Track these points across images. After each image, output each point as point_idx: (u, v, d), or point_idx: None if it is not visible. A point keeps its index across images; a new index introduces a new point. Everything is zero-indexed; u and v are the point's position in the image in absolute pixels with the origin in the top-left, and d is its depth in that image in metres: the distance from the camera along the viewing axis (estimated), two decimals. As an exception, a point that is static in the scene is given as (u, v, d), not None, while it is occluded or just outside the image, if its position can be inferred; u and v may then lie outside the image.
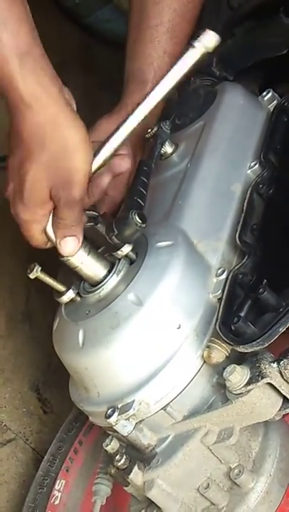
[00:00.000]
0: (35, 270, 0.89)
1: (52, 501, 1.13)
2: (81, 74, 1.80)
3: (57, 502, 1.13)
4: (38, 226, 0.88)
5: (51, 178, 0.84)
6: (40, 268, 0.89)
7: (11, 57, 0.80)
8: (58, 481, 1.15)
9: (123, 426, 0.86)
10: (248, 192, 0.97)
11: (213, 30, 0.91)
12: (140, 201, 0.91)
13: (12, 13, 0.80)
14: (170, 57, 1.12)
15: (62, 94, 0.84)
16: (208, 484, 0.85)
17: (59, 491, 1.14)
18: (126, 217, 0.88)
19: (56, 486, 1.14)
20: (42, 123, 0.82)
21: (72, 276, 0.94)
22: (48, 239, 0.89)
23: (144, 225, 0.88)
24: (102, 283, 0.90)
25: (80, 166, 0.85)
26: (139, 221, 0.88)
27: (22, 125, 0.82)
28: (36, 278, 0.90)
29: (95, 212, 0.94)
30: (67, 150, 0.84)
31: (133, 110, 0.95)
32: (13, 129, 0.84)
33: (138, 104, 0.95)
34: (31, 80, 0.81)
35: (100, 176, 1.04)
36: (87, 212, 0.94)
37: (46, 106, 0.82)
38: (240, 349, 0.81)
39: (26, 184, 0.84)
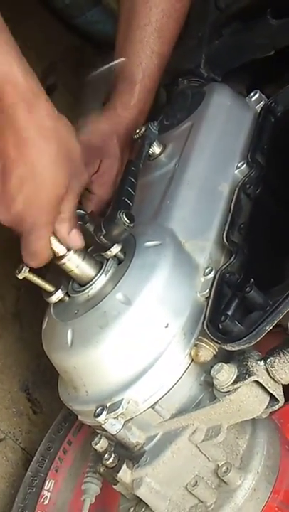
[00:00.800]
0: (23, 271, 0.89)
1: (41, 501, 1.13)
2: (71, 75, 1.80)
3: (46, 502, 1.13)
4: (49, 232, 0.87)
5: (67, 168, 0.84)
6: (28, 269, 0.89)
7: (13, 58, 0.82)
8: (47, 481, 1.15)
9: (112, 424, 0.86)
10: (236, 192, 0.97)
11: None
12: (128, 201, 0.92)
13: None
14: (158, 57, 1.13)
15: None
16: (196, 482, 0.85)
17: (48, 490, 1.14)
18: (114, 217, 0.88)
19: (45, 486, 1.15)
20: (44, 115, 0.82)
21: (60, 276, 0.94)
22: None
23: (132, 225, 0.89)
24: (91, 283, 0.91)
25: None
26: (127, 221, 0.88)
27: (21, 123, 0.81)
28: (25, 278, 0.90)
29: (82, 211, 0.94)
30: (70, 134, 0.85)
31: None
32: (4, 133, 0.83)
33: None
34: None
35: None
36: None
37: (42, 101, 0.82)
38: (228, 347, 0.82)
39: (44, 186, 0.84)
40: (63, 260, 0.89)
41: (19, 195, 0.83)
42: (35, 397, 1.34)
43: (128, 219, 0.88)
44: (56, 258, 0.90)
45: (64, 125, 0.85)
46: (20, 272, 0.89)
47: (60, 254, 0.89)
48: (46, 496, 1.13)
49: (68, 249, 0.89)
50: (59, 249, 0.89)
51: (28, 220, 0.85)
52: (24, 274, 0.89)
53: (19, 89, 0.81)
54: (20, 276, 0.90)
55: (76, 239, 0.89)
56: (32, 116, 0.81)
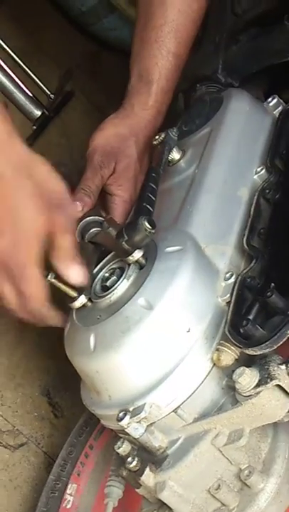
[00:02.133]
0: (49, 276, 0.90)
1: (64, 505, 1.14)
2: (87, 82, 1.82)
3: (69, 506, 1.14)
4: (36, 265, 0.86)
5: (43, 204, 0.85)
6: (54, 275, 0.90)
7: None
8: (69, 485, 1.16)
9: (134, 429, 0.87)
10: (255, 197, 0.98)
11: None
12: (149, 207, 0.92)
13: None
14: (174, 57, 1.13)
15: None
16: (219, 485, 0.86)
17: (71, 494, 1.15)
18: (136, 223, 0.89)
19: (68, 490, 1.15)
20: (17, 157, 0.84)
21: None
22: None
23: (153, 231, 0.89)
24: (113, 288, 0.92)
25: (63, 184, 0.87)
26: (149, 227, 0.89)
27: None
28: (50, 284, 0.91)
29: (100, 217, 0.95)
30: (48, 173, 0.86)
31: None
32: None
33: None
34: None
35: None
36: (92, 217, 0.96)
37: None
38: (250, 352, 0.82)
39: (19, 224, 0.84)
40: (75, 303, 0.92)
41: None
42: (56, 402, 1.35)
43: (150, 225, 0.89)
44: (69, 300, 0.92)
45: (39, 162, 0.86)
46: (45, 278, 0.90)
47: (72, 296, 0.92)
48: (69, 500, 1.14)
49: (79, 292, 0.92)
50: (70, 293, 0.92)
51: (11, 262, 0.85)
52: (50, 279, 0.90)
53: None
54: (46, 283, 0.91)
55: (76, 275, 0.90)
56: (4, 156, 0.82)
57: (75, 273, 0.90)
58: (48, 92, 1.68)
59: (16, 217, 0.84)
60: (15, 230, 0.84)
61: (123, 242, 0.89)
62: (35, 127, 1.62)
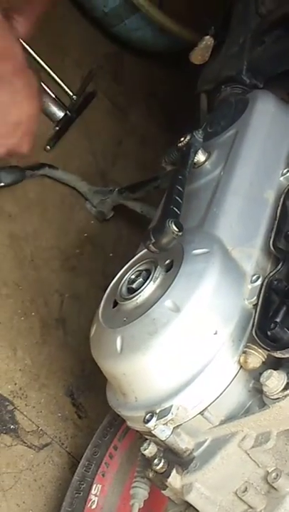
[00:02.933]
0: None
1: (89, 505, 1.14)
2: (110, 83, 1.82)
3: (94, 506, 1.14)
4: None
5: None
6: None
7: None
8: (94, 486, 1.16)
9: (161, 430, 0.87)
10: (281, 199, 0.98)
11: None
12: (176, 210, 0.92)
13: None
14: None
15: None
16: (246, 488, 0.86)
17: (96, 495, 1.15)
18: (163, 226, 0.89)
19: (93, 491, 1.16)
20: None
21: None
22: None
23: (180, 233, 0.90)
24: (139, 290, 0.92)
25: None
26: (176, 229, 0.89)
27: None
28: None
29: None
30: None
31: None
32: None
33: None
34: None
35: None
36: None
37: None
38: (277, 354, 0.82)
39: None
40: None
41: None
42: (79, 402, 1.36)
43: (177, 228, 0.89)
44: None
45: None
46: None
47: None
48: (94, 501, 1.14)
49: None
50: None
51: None
52: None
53: None
54: None
55: None
56: None
57: None
58: (71, 93, 1.68)
59: None
60: None
61: (150, 245, 0.89)
62: (57, 128, 1.62)
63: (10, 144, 1.05)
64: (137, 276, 0.96)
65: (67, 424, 1.33)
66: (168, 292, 0.89)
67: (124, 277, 0.97)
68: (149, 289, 0.92)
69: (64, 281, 1.47)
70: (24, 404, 1.29)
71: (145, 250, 0.98)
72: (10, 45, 1.00)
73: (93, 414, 1.35)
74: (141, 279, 0.95)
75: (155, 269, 0.93)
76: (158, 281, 0.92)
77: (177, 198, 0.94)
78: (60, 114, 1.62)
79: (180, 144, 1.08)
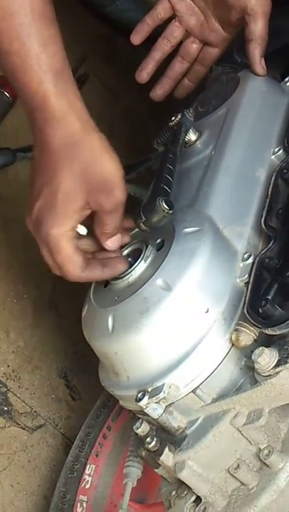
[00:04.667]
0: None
1: (83, 485, 1.15)
2: (101, 66, 1.81)
3: (88, 486, 1.15)
4: (68, 240, 0.87)
5: (87, 186, 0.85)
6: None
7: (47, 77, 0.82)
8: (88, 466, 1.17)
9: (153, 409, 0.87)
10: (273, 177, 0.97)
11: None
12: (167, 188, 0.92)
13: (51, 34, 0.82)
14: None
15: (86, 110, 0.86)
16: (238, 465, 0.86)
17: (89, 475, 1.16)
18: (153, 204, 0.89)
19: (86, 471, 1.16)
20: (71, 134, 0.83)
21: None
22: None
23: (171, 212, 0.89)
24: (131, 269, 0.92)
25: (113, 168, 0.86)
26: (167, 208, 0.89)
27: (51, 139, 0.83)
28: None
29: None
30: (98, 155, 0.85)
31: None
32: (39, 147, 0.85)
33: None
34: (63, 98, 0.83)
35: (189, 42, 1.14)
36: None
37: (74, 120, 0.84)
38: (269, 331, 0.82)
39: (59, 196, 0.84)
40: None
41: (37, 201, 0.86)
42: (73, 384, 1.36)
43: (167, 206, 0.89)
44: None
45: (94, 138, 0.86)
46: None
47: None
48: (87, 481, 1.15)
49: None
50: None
51: (42, 228, 0.86)
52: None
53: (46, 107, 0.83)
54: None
55: (116, 244, 0.90)
56: (60, 126, 0.83)
57: (115, 243, 0.91)
58: (62, 76, 1.67)
59: (56, 191, 0.85)
60: (54, 201, 0.85)
61: (141, 224, 0.89)
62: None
63: None
64: (128, 256, 0.95)
65: (61, 405, 1.33)
66: (159, 271, 0.89)
67: (115, 257, 0.96)
68: (141, 267, 0.92)
69: (56, 263, 1.46)
70: (17, 386, 1.30)
71: (136, 230, 0.97)
72: None
73: (87, 395, 1.35)
74: (131, 259, 0.94)
75: (146, 248, 0.93)
76: (149, 260, 0.92)
77: (167, 176, 0.93)
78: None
79: (171, 124, 1.08)
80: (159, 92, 1.22)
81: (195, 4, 1.15)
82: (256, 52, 1.10)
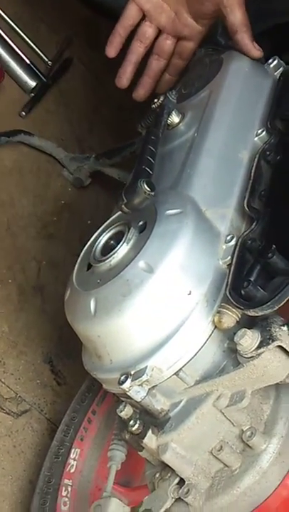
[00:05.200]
0: None
1: (68, 469, 1.15)
2: (86, 49, 1.80)
3: (72, 470, 1.15)
4: None
5: None
6: None
7: None
8: (72, 450, 1.16)
9: (136, 392, 0.87)
10: (256, 159, 0.97)
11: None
12: (148, 170, 0.92)
13: None
14: None
15: None
16: (221, 447, 0.86)
17: (74, 459, 1.16)
18: (134, 186, 0.88)
19: (71, 455, 1.16)
20: None
21: None
22: None
23: (152, 193, 0.89)
24: (113, 252, 0.91)
25: None
26: (148, 189, 0.89)
27: None
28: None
29: None
30: None
31: None
32: None
33: None
34: None
35: (163, 39, 1.14)
36: None
37: None
38: (251, 313, 0.82)
39: None
40: None
41: None
42: (58, 369, 1.36)
43: (149, 187, 0.88)
44: None
45: None
46: None
47: None
48: (72, 465, 1.15)
49: None
50: None
51: None
52: None
53: None
54: None
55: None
56: None
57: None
58: (46, 60, 1.66)
59: None
60: None
61: (122, 206, 0.89)
62: (33, 95, 1.60)
63: None
64: (110, 239, 0.95)
65: (46, 390, 1.33)
66: (141, 253, 0.89)
67: (97, 240, 0.96)
68: (123, 250, 0.91)
69: (41, 248, 1.46)
70: (2, 371, 1.29)
71: (119, 213, 0.97)
72: None
73: (72, 380, 1.34)
74: (113, 242, 0.94)
75: (128, 230, 0.92)
76: (131, 242, 0.91)
77: (149, 158, 0.93)
78: (33, 83, 1.61)
79: (154, 106, 1.08)
80: (141, 92, 1.21)
81: (164, 1, 1.14)
82: (245, 40, 1.10)
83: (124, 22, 1.17)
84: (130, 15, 1.16)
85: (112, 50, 1.19)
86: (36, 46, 1.66)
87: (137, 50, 1.19)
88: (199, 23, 1.14)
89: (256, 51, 1.10)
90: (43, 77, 1.62)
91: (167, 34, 1.16)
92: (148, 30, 1.17)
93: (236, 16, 1.08)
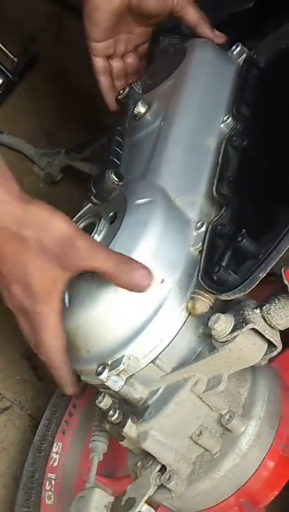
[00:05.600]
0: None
1: (50, 463, 1.15)
2: (52, 45, 1.79)
3: (55, 464, 1.15)
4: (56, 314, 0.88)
5: (52, 255, 0.84)
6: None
7: None
8: (55, 444, 1.17)
9: (114, 381, 0.87)
10: (223, 145, 0.98)
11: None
12: (116, 160, 0.92)
13: None
14: None
15: (14, 182, 0.84)
16: (201, 432, 0.87)
17: (57, 453, 1.16)
18: (103, 177, 0.89)
19: (54, 449, 1.16)
20: (13, 219, 0.82)
21: None
22: None
23: (121, 183, 0.89)
24: (84, 243, 0.91)
25: (64, 224, 0.86)
26: (116, 179, 0.89)
27: None
28: None
29: None
30: (45, 222, 0.84)
31: None
32: None
33: None
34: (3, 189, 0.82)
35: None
36: None
37: (11, 202, 0.83)
38: (223, 297, 0.83)
39: (35, 276, 0.85)
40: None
41: (14, 286, 0.86)
42: (38, 365, 1.36)
43: (117, 177, 0.89)
44: None
45: (36, 211, 0.84)
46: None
47: None
48: (55, 459, 1.15)
49: None
50: None
51: (29, 310, 0.87)
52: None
53: None
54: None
55: None
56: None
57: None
58: (12, 57, 1.65)
59: (26, 273, 0.84)
60: (28, 283, 0.85)
61: (91, 197, 0.89)
62: (-1, 92, 1.60)
63: None
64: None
65: (27, 386, 1.33)
66: (112, 243, 0.89)
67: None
68: (94, 241, 0.91)
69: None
70: (-19, 370, 1.29)
71: (89, 205, 0.97)
72: None
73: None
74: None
75: (99, 221, 0.93)
76: (102, 233, 0.92)
77: (116, 148, 0.93)
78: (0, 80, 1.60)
79: (120, 97, 1.08)
80: (112, 104, 1.17)
81: (120, 40, 1.15)
82: (206, 32, 1.12)
83: (105, 84, 1.19)
84: (104, 79, 1.19)
85: (113, 106, 1.17)
86: (1, 43, 1.65)
87: (106, 81, 1.20)
88: (150, 26, 1.16)
89: (220, 38, 1.13)
90: (9, 74, 1.62)
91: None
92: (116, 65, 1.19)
93: (191, 14, 1.11)
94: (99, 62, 1.17)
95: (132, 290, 0.85)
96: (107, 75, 1.18)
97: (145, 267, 0.86)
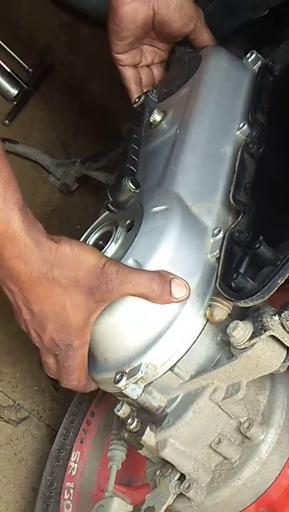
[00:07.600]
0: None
1: (69, 472, 1.15)
2: (66, 54, 1.80)
3: (74, 473, 1.15)
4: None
5: (86, 289, 0.86)
6: None
7: (14, 213, 0.81)
8: (73, 453, 1.16)
9: (132, 390, 0.87)
10: (239, 152, 0.98)
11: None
12: (133, 168, 0.92)
13: (10, 173, 0.83)
14: None
15: (42, 228, 0.85)
16: (220, 440, 0.86)
17: (75, 462, 1.16)
18: (119, 185, 0.89)
19: (72, 458, 1.16)
20: (46, 258, 0.84)
21: None
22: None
23: (137, 191, 0.89)
24: (102, 251, 0.91)
25: (94, 257, 0.86)
26: (133, 187, 0.89)
27: (28, 273, 0.83)
28: None
29: None
30: (77, 258, 0.85)
31: None
32: (13, 284, 0.86)
33: None
34: (31, 230, 0.83)
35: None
36: None
37: (45, 243, 0.84)
38: (241, 304, 0.83)
39: (70, 314, 0.87)
40: None
41: (47, 327, 0.88)
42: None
43: (134, 185, 0.89)
44: None
45: (64, 249, 0.85)
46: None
47: None
48: (73, 467, 1.15)
49: None
50: None
51: (63, 344, 0.89)
52: None
53: (17, 243, 0.82)
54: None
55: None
56: (27, 268, 0.83)
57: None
58: (27, 67, 1.66)
59: (62, 312, 0.86)
60: (63, 321, 0.87)
61: (108, 204, 0.89)
62: (15, 103, 1.61)
63: None
64: (99, 239, 0.95)
65: (44, 396, 1.33)
66: (129, 251, 0.89)
67: (86, 241, 0.96)
68: (111, 249, 0.92)
69: (32, 255, 1.45)
70: (-1, 380, 1.29)
71: (106, 213, 0.97)
72: None
73: (69, 385, 1.34)
74: (102, 242, 0.94)
75: (116, 229, 0.93)
76: (119, 241, 0.92)
77: (133, 156, 0.93)
78: (14, 91, 1.61)
79: (135, 105, 1.08)
80: None
81: (145, 50, 1.17)
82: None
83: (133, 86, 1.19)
84: (135, 89, 1.19)
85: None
86: (16, 54, 1.66)
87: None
88: (169, 42, 1.18)
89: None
90: (24, 85, 1.63)
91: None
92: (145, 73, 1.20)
93: (205, 37, 1.15)
94: (128, 72, 1.18)
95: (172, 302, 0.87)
96: (138, 84, 1.18)
97: (179, 278, 0.87)
